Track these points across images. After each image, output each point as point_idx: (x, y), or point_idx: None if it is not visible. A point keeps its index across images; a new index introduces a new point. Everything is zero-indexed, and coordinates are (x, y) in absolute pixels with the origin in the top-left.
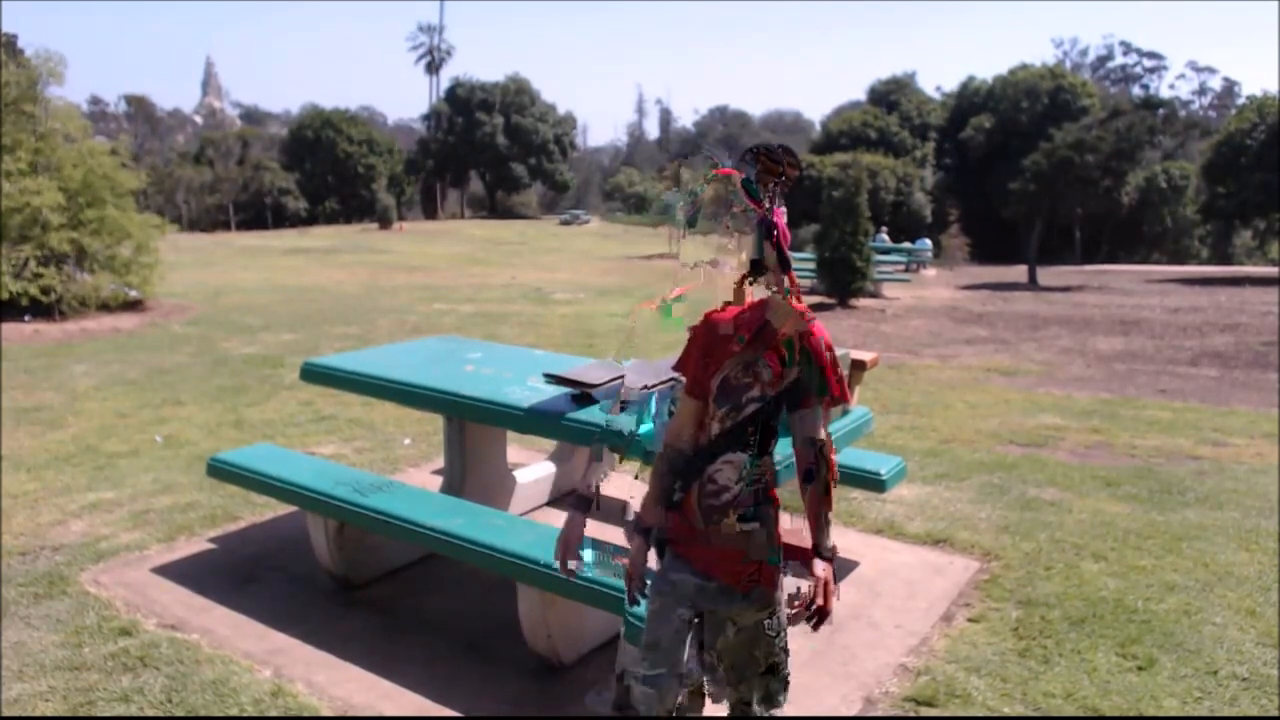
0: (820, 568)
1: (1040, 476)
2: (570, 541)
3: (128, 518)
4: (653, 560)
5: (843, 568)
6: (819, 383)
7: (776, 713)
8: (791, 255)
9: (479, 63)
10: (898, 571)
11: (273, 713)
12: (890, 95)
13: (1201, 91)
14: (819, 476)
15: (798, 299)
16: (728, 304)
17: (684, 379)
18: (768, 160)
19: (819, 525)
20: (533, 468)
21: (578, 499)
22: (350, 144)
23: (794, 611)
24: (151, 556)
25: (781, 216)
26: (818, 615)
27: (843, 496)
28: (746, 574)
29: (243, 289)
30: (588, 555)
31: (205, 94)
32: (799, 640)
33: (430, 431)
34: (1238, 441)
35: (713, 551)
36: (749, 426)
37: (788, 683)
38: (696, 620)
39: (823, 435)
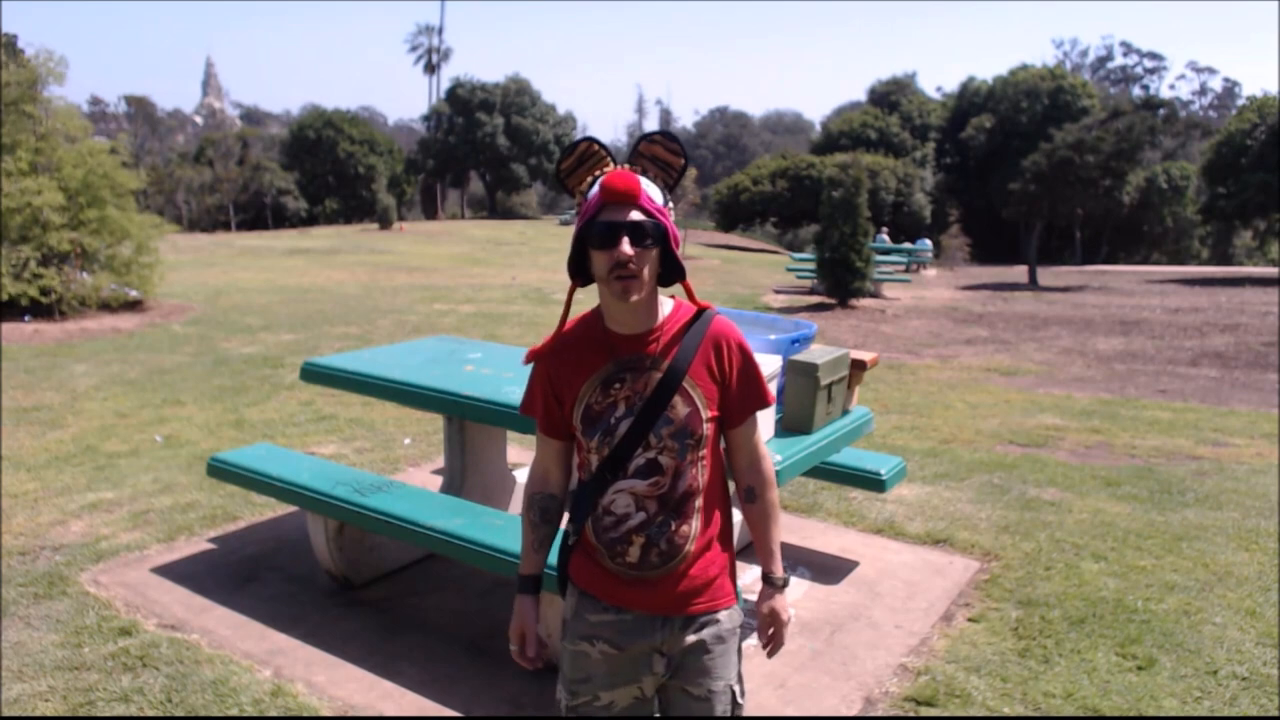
0: (769, 601)
1: (1040, 476)
2: (526, 631)
3: (128, 518)
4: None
5: (842, 568)
6: (752, 394)
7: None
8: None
9: (479, 63)
10: (898, 571)
11: (273, 713)
12: (890, 96)
13: (1202, 92)
14: (761, 496)
15: (692, 298)
16: (560, 327)
17: (535, 419)
18: (665, 151)
19: (765, 551)
20: None
21: (521, 580)
22: (350, 144)
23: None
24: (151, 556)
25: (670, 216)
26: (769, 645)
27: (843, 496)
28: (665, 600)
29: (243, 289)
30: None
31: (205, 94)
32: (798, 640)
33: (430, 431)
34: (1238, 441)
35: (623, 584)
36: (631, 448)
37: None
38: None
39: (763, 450)
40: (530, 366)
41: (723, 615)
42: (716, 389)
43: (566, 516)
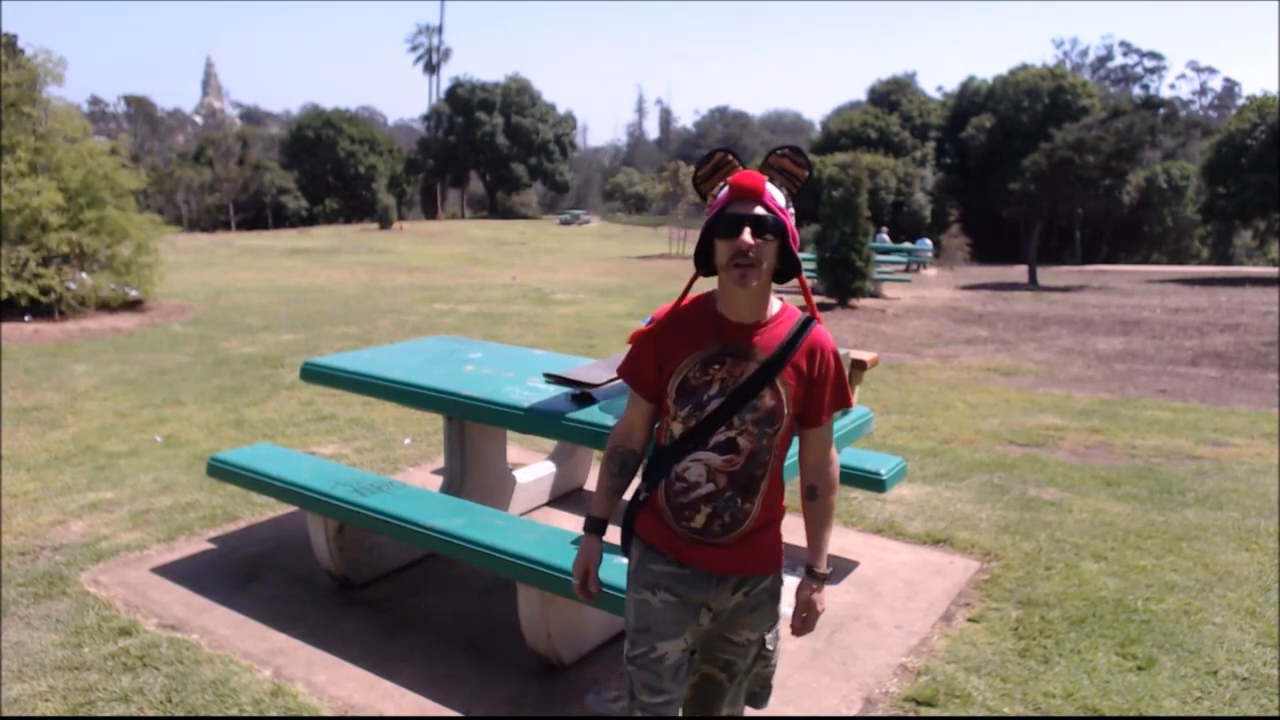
0: (808, 592)
1: (1040, 476)
2: (590, 567)
3: (128, 518)
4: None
5: (843, 568)
6: (834, 397)
7: (765, 712)
8: (803, 256)
9: (479, 63)
10: (898, 571)
11: (273, 713)
12: (891, 95)
13: (1202, 92)
14: (823, 497)
15: (809, 302)
16: (678, 302)
17: (629, 382)
18: (792, 164)
19: (815, 548)
20: (533, 468)
21: (590, 521)
22: (350, 144)
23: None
24: (151, 556)
25: (791, 218)
26: (799, 629)
27: (843, 496)
28: (722, 560)
29: (243, 289)
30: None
31: (205, 94)
32: (799, 640)
33: (430, 431)
34: (1238, 441)
35: (686, 544)
36: (715, 425)
37: (770, 687)
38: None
39: (833, 454)
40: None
41: (769, 580)
42: (802, 390)
43: (640, 475)
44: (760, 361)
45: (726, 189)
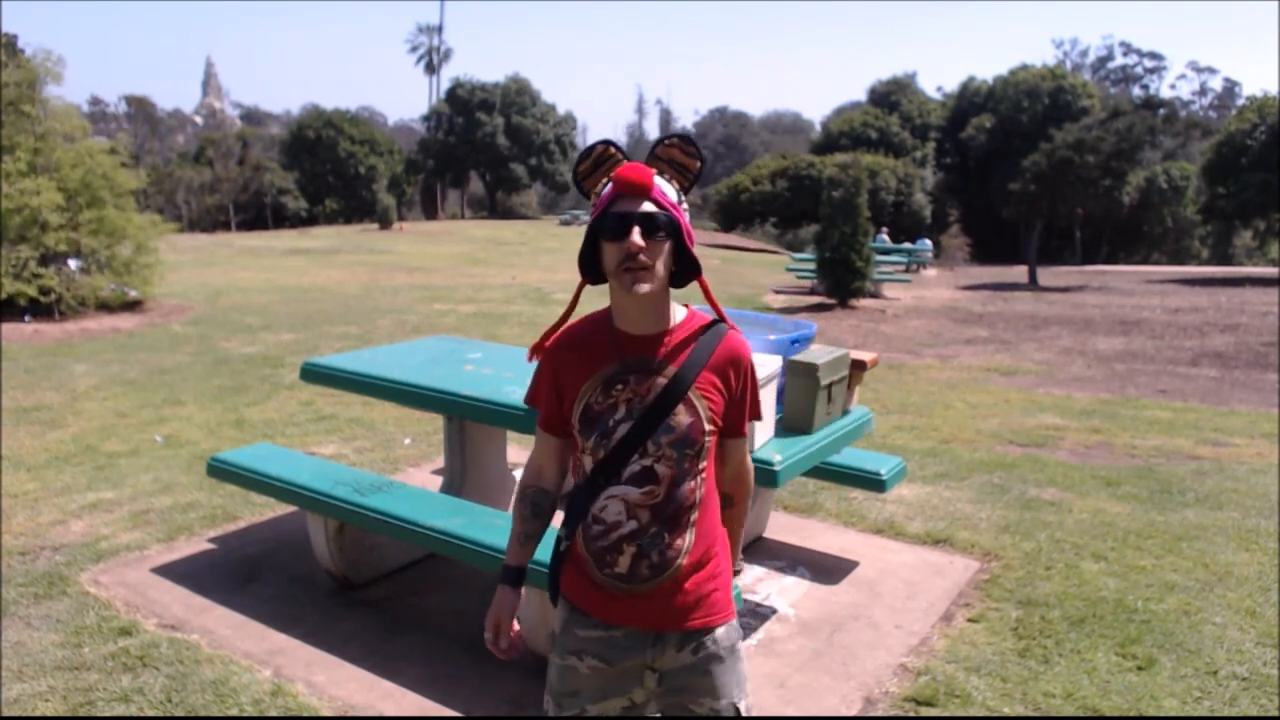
0: None
1: (1040, 476)
2: (502, 620)
3: (128, 518)
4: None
5: (843, 568)
6: (753, 407)
7: None
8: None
9: (479, 63)
10: (898, 571)
11: (273, 713)
12: (891, 96)
13: (1202, 92)
14: (739, 505)
15: (708, 296)
16: (564, 317)
17: (538, 411)
18: (681, 154)
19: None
20: None
21: (504, 570)
22: (351, 144)
23: None
24: (151, 556)
25: (685, 213)
26: None
27: (843, 496)
28: (657, 613)
29: (243, 289)
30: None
31: (205, 94)
32: (799, 640)
33: (430, 431)
34: (1238, 441)
35: (612, 599)
36: (627, 453)
37: None
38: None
39: (749, 464)
40: (532, 360)
41: (720, 631)
42: (721, 402)
43: (560, 518)
44: (669, 376)
45: (610, 184)
